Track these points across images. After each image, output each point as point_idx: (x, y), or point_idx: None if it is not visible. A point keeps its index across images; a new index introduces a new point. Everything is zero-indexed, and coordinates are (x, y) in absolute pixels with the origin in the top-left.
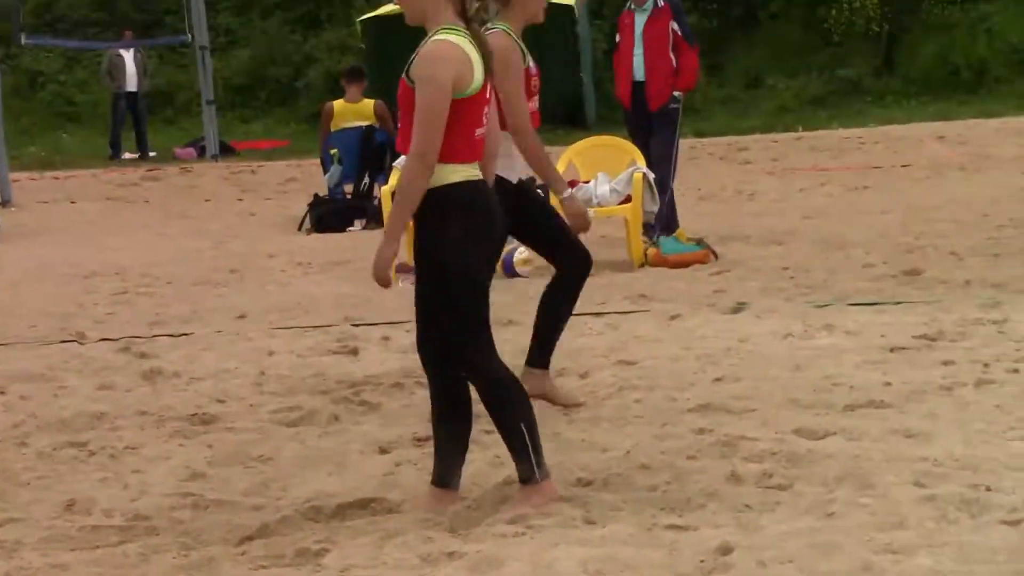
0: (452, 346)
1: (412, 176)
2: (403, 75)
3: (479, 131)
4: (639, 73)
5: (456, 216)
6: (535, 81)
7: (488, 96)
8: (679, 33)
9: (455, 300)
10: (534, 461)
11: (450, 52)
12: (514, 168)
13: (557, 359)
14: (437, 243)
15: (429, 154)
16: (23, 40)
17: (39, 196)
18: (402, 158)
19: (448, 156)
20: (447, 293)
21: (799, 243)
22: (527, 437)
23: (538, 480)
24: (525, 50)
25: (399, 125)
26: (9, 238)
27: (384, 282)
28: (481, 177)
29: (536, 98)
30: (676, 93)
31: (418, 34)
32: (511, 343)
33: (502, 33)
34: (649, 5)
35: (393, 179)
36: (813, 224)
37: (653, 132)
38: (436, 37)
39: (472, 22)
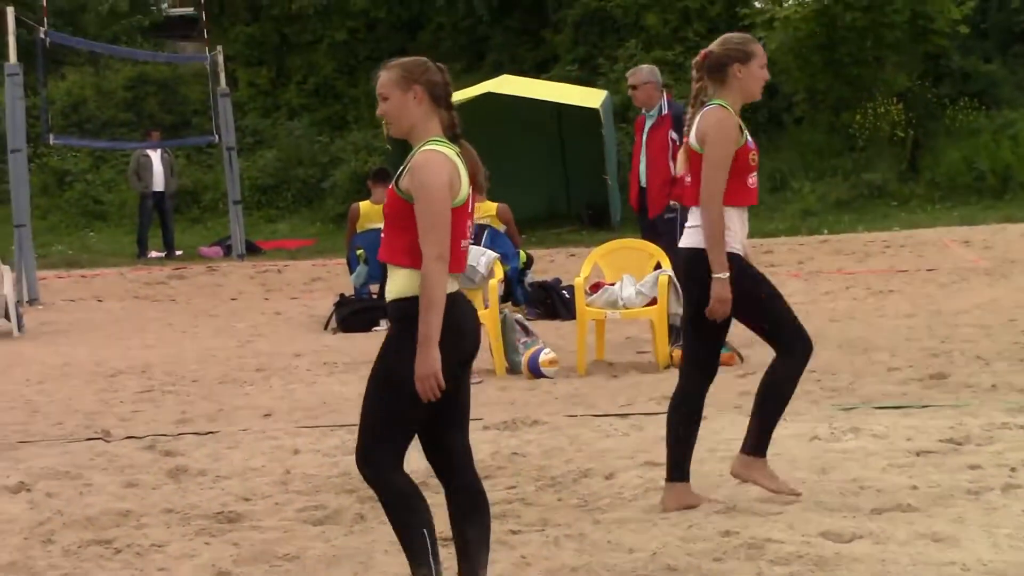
0: (359, 447)
1: (435, 279)
2: (391, 185)
3: (464, 243)
4: (643, 178)
5: (450, 325)
6: (754, 155)
7: (471, 210)
8: (676, 143)
9: (387, 403)
10: (432, 566)
11: (446, 161)
12: (739, 241)
13: (582, 459)
14: (396, 349)
15: (445, 254)
16: (51, 140)
17: (65, 294)
18: None
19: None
20: (382, 395)
21: (825, 346)
22: (428, 541)
23: None
24: (743, 125)
25: (384, 235)
26: (35, 336)
27: (434, 389)
28: (458, 289)
29: (755, 174)
30: (672, 203)
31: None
32: (535, 443)
33: (719, 107)
34: (655, 111)
35: None
36: (839, 327)
37: (659, 237)
38: (426, 148)
39: (459, 137)
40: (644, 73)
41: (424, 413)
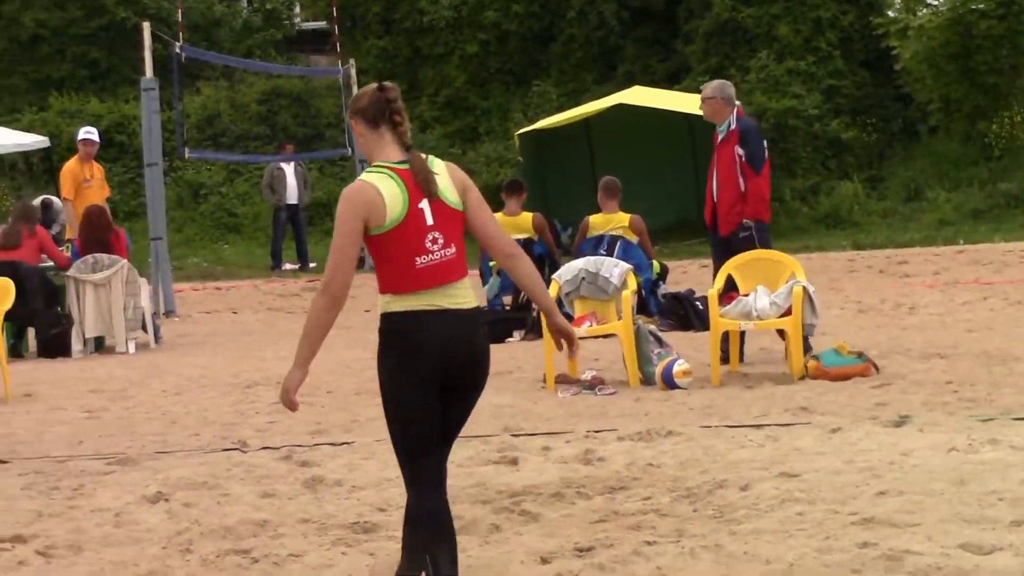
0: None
1: (313, 307)
2: None
3: (420, 259)
4: (716, 194)
5: (391, 345)
6: None
7: (426, 224)
8: (743, 159)
9: (389, 424)
10: None
11: (357, 193)
12: None
13: (717, 470)
14: (379, 369)
15: (330, 286)
16: (186, 154)
17: (201, 307)
18: (560, 269)
19: (386, 287)
20: (386, 415)
21: (962, 357)
22: (427, 563)
23: None
24: None
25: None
26: (172, 348)
27: (290, 405)
28: (427, 307)
29: None
30: (745, 221)
31: (572, 147)
32: (670, 454)
33: None
34: (724, 126)
35: (552, 291)
36: (976, 338)
37: (731, 254)
38: (358, 177)
39: (409, 148)
40: (710, 88)
41: (414, 429)
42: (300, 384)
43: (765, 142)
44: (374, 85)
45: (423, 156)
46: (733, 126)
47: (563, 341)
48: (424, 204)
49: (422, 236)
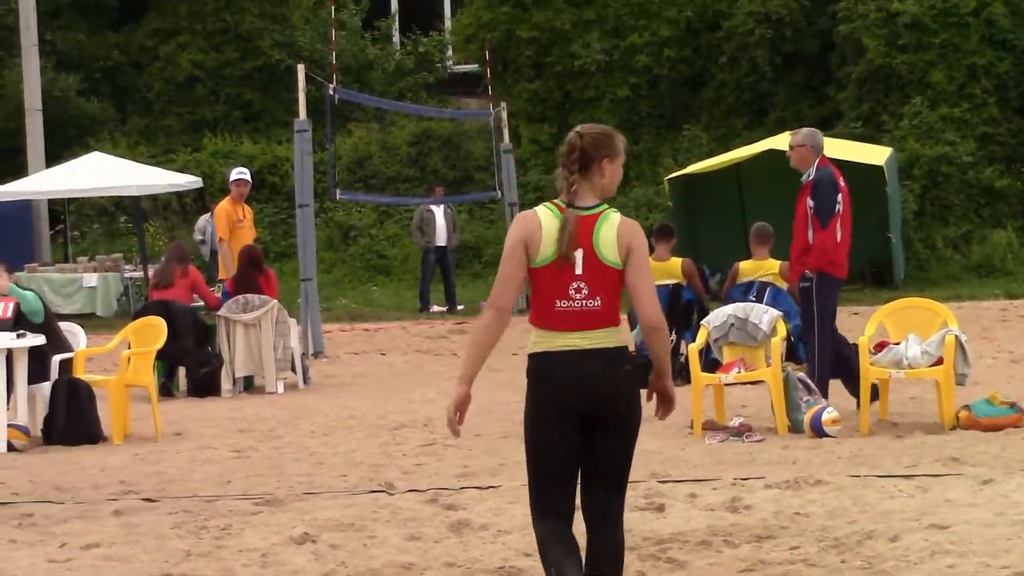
0: None
1: (476, 323)
2: None
3: (560, 303)
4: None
5: (529, 383)
6: None
7: (574, 272)
8: (812, 210)
9: (526, 455)
10: None
11: (523, 217)
12: None
13: (866, 520)
14: (526, 397)
15: (493, 301)
16: (337, 195)
17: (350, 347)
18: (709, 316)
19: (532, 318)
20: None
21: None
22: None
23: None
24: None
25: None
26: (320, 389)
27: (450, 426)
28: (560, 348)
29: None
30: (807, 272)
31: (721, 192)
32: (818, 503)
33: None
34: (805, 176)
35: (700, 337)
36: None
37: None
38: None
39: (569, 205)
40: (801, 135)
41: (544, 463)
42: (463, 403)
43: (840, 195)
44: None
45: (595, 212)
46: (812, 176)
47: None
48: (578, 252)
49: (567, 282)
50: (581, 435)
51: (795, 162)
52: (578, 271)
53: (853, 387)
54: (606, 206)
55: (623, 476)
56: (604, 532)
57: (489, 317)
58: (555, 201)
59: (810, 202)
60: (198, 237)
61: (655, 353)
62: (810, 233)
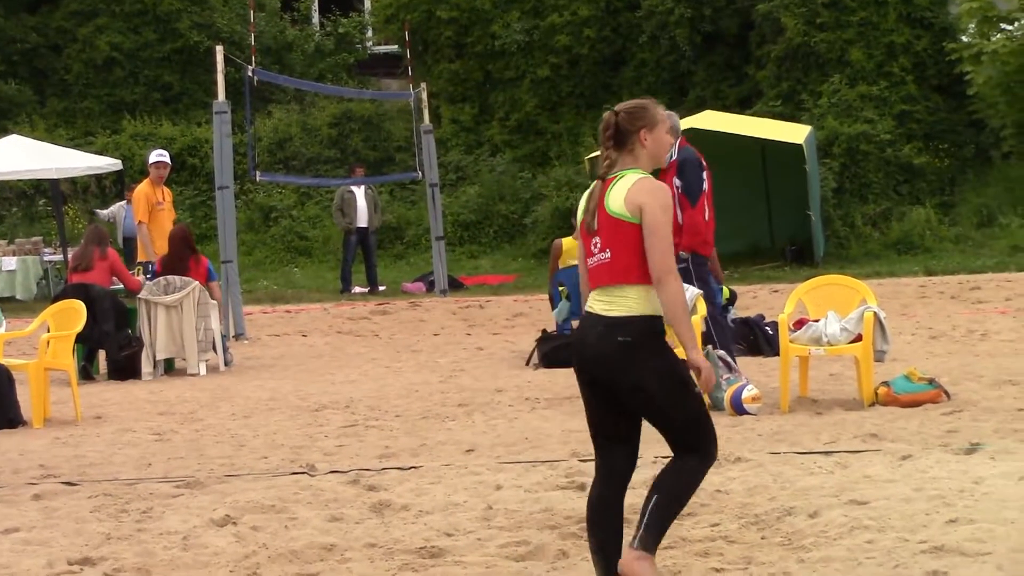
0: None
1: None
2: None
3: (590, 260)
4: None
5: None
6: None
7: (594, 228)
8: (680, 190)
9: None
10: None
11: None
12: None
13: (786, 497)
14: None
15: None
16: (257, 177)
17: (271, 329)
18: None
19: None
20: None
21: None
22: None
23: None
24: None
25: None
26: (241, 371)
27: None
28: (587, 308)
29: None
30: (681, 253)
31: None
32: (738, 480)
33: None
34: (667, 157)
35: None
36: None
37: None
38: None
39: (605, 176)
40: None
41: (590, 424)
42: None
43: (705, 174)
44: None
45: (615, 175)
46: (674, 157)
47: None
48: (597, 212)
49: (590, 239)
50: (608, 399)
51: None
52: (595, 226)
53: None
54: (632, 169)
55: (677, 432)
56: (675, 460)
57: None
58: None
59: (677, 182)
60: (105, 216)
61: (665, 313)
62: (678, 213)
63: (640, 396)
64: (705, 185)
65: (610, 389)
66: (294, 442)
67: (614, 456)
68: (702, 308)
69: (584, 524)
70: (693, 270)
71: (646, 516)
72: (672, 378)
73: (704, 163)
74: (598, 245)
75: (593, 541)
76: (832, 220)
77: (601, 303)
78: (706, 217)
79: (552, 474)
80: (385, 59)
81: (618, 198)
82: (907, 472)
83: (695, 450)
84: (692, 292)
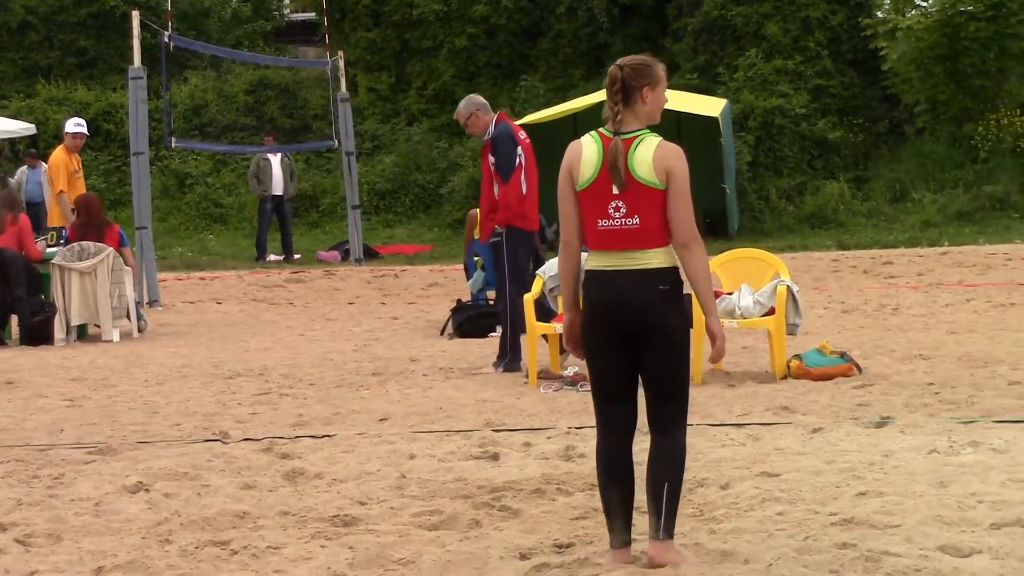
0: None
1: (559, 262)
2: None
3: (602, 223)
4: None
5: (584, 299)
6: None
7: (612, 191)
8: (493, 167)
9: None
10: (607, 527)
11: (570, 147)
12: None
13: (698, 468)
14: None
15: (562, 239)
16: (173, 143)
17: (185, 296)
18: (544, 265)
19: (585, 240)
20: None
21: (944, 359)
22: (603, 506)
23: (609, 547)
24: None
25: None
26: (155, 337)
27: (577, 353)
28: (605, 267)
29: None
30: (496, 227)
31: (559, 143)
32: None
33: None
34: (485, 136)
35: (536, 286)
36: (958, 340)
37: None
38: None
39: (617, 133)
40: (460, 111)
41: (596, 375)
42: (573, 326)
43: (519, 149)
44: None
45: (632, 135)
46: (491, 134)
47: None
48: (625, 176)
49: (606, 202)
50: (630, 351)
51: (477, 132)
52: (615, 191)
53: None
54: (646, 131)
55: (676, 388)
56: (662, 439)
57: (562, 255)
58: (599, 129)
59: (491, 158)
60: (14, 183)
61: (689, 279)
62: (495, 189)
63: (667, 342)
64: (521, 159)
65: (639, 339)
66: (207, 409)
67: (627, 409)
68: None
69: (496, 493)
70: (506, 244)
71: (664, 504)
72: (689, 331)
73: (519, 139)
74: (622, 210)
75: (614, 496)
76: (747, 193)
77: (631, 260)
78: (523, 191)
79: (466, 444)
80: (302, 27)
81: (645, 163)
82: (818, 445)
83: (679, 401)
84: None
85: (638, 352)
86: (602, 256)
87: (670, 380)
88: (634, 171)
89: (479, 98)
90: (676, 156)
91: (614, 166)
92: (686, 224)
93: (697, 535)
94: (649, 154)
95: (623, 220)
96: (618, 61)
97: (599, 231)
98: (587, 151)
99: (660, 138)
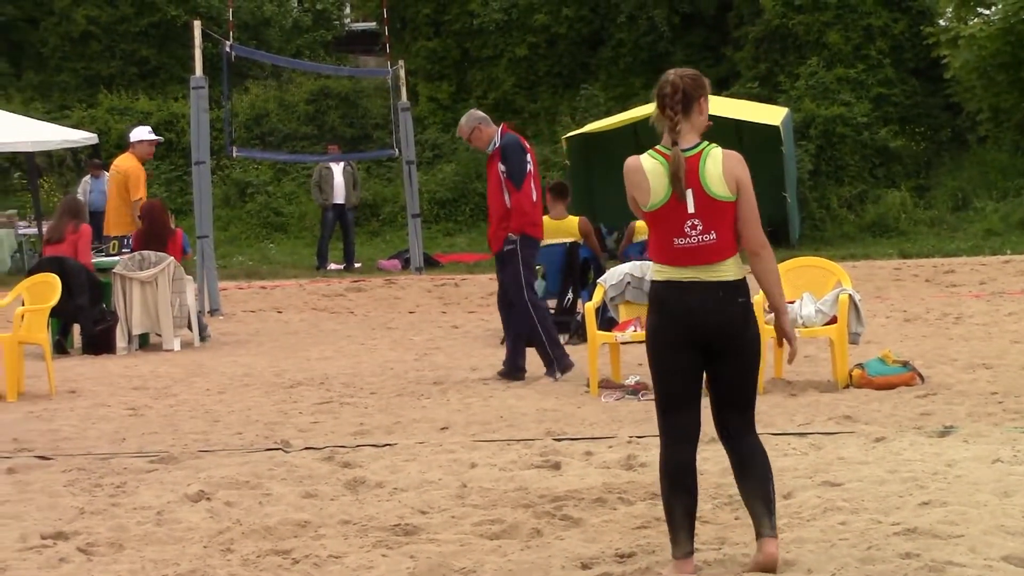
0: None
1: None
2: None
3: (678, 240)
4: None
5: (652, 310)
6: None
7: (687, 211)
8: (505, 175)
9: (652, 380)
10: (670, 537)
11: (627, 167)
12: None
13: None
14: (646, 329)
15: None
16: (234, 152)
17: (246, 305)
18: (605, 274)
19: (652, 255)
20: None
21: (1008, 367)
22: (667, 516)
23: (671, 557)
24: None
25: None
26: (216, 346)
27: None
28: (682, 279)
29: None
30: (510, 235)
31: (619, 151)
32: (712, 461)
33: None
34: (491, 146)
35: (597, 295)
36: (1021, 349)
37: (500, 272)
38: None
39: (675, 145)
40: (463, 126)
41: (665, 386)
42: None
43: (528, 156)
44: (668, 73)
45: (696, 151)
46: (498, 144)
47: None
48: (688, 192)
49: (682, 221)
50: (702, 361)
51: (481, 145)
52: (691, 209)
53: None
54: (705, 143)
55: (753, 394)
56: (742, 445)
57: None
58: (656, 148)
59: (501, 167)
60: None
61: (761, 284)
62: (506, 197)
63: (747, 351)
64: (530, 167)
65: (713, 350)
66: (268, 418)
67: (694, 420)
68: None
69: (558, 503)
70: (521, 251)
71: (773, 504)
72: (760, 340)
73: (527, 147)
74: (698, 228)
75: (680, 507)
76: (808, 202)
77: (708, 273)
78: (533, 199)
79: (527, 453)
80: (363, 36)
81: (717, 179)
82: (880, 454)
83: (754, 407)
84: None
85: (711, 362)
86: (678, 269)
87: (751, 387)
88: (708, 189)
89: (479, 112)
90: (741, 165)
91: (676, 178)
92: (757, 232)
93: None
94: (719, 169)
95: (700, 237)
96: (672, 72)
97: (675, 248)
98: (651, 172)
99: (720, 147)
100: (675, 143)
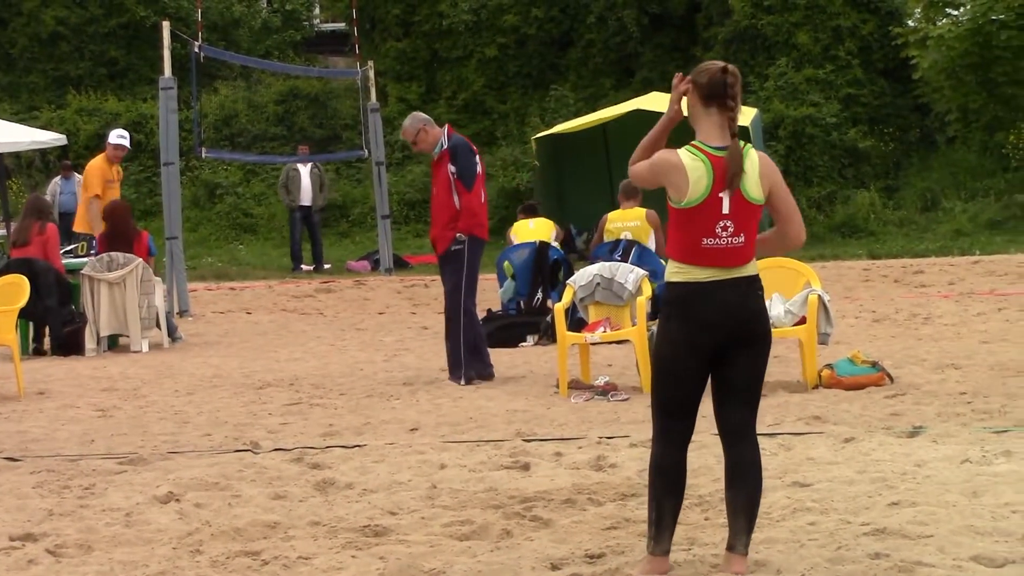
0: None
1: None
2: None
3: (707, 241)
4: (432, 215)
5: (666, 311)
6: None
7: (721, 212)
8: (455, 175)
9: (652, 379)
10: (648, 534)
11: (667, 156)
12: None
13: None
14: (658, 327)
15: (632, 164)
16: (203, 153)
17: (215, 306)
18: (575, 275)
19: (673, 253)
20: (652, 370)
21: (976, 368)
22: (652, 513)
23: (647, 552)
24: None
25: None
26: (185, 347)
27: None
28: (705, 279)
29: None
30: (459, 235)
31: (588, 152)
32: None
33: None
34: (437, 148)
35: (566, 296)
36: (991, 349)
37: (444, 273)
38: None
39: (734, 138)
40: (407, 128)
41: (669, 389)
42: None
43: (477, 158)
44: (719, 64)
45: (741, 146)
46: (445, 145)
47: None
48: (724, 193)
49: (714, 222)
50: (709, 367)
51: (427, 147)
52: (725, 210)
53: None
54: (741, 142)
55: (757, 393)
56: (743, 449)
57: (636, 158)
58: (694, 144)
59: (451, 168)
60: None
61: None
62: (455, 198)
63: (764, 347)
64: (479, 169)
65: (734, 349)
66: (238, 419)
67: (692, 425)
68: (647, 289)
69: (527, 504)
70: (468, 253)
71: (753, 522)
72: None
73: (474, 148)
74: (729, 230)
75: (669, 508)
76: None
77: (723, 273)
78: (482, 200)
79: (496, 454)
80: (332, 37)
81: (753, 182)
82: (850, 455)
83: (756, 407)
84: (639, 273)
85: (724, 361)
86: (701, 269)
87: (758, 385)
88: (746, 191)
89: (422, 114)
90: (773, 167)
91: (734, 175)
92: (802, 225)
93: None
94: (756, 171)
95: (730, 239)
96: (720, 64)
97: (702, 248)
98: (692, 171)
99: (754, 149)
100: (734, 135)
